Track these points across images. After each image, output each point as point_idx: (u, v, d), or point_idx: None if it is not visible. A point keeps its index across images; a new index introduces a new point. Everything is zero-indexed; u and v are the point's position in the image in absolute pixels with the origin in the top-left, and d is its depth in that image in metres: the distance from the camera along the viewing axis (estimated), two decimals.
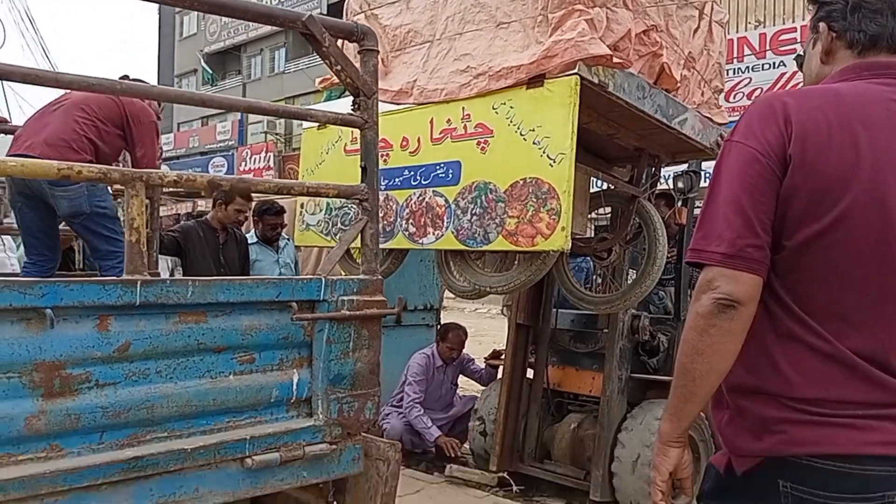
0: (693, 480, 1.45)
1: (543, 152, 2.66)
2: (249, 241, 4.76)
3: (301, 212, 3.79)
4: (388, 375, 6.01)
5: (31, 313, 1.53)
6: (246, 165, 22.78)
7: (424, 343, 6.07)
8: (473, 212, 2.87)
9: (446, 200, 2.98)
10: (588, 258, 5.62)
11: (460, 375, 5.75)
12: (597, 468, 4.19)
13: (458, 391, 5.69)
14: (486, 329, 11.07)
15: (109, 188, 3.30)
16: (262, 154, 22.72)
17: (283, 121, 22.98)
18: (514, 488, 4.68)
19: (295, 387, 1.94)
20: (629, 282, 3.81)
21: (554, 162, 2.63)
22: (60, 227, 3.36)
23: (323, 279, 1.93)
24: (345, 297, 1.97)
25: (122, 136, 3.26)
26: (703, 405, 1.34)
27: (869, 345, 1.25)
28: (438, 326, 6.36)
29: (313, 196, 2.71)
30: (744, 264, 1.25)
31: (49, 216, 3.23)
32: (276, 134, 23.84)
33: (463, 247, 2.96)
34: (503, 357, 4.89)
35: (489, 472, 4.77)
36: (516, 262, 3.16)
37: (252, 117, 23.98)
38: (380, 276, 2.05)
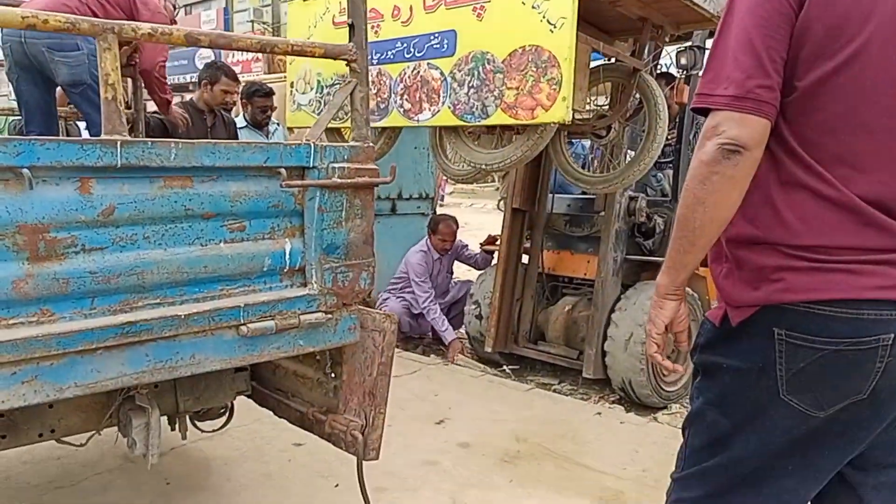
0: (689, 336, 1.45)
1: (543, 17, 2.52)
2: (238, 126, 4.63)
3: (291, 91, 3.66)
4: (384, 263, 6.07)
5: (7, 173, 1.47)
6: (234, 57, 22.00)
7: (420, 232, 6.06)
8: (471, 84, 2.76)
9: (442, 73, 2.86)
10: (584, 145, 5.52)
11: (455, 262, 5.78)
12: (590, 347, 4.28)
13: (453, 278, 5.75)
14: (483, 223, 11.07)
15: None
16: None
17: (269, 9, 22.01)
18: (507, 368, 4.79)
19: (288, 256, 1.91)
20: (627, 161, 3.74)
21: (554, 27, 2.50)
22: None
23: (312, 145, 1.86)
24: (335, 165, 1.90)
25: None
26: (702, 257, 1.32)
27: (875, 189, 1.21)
28: (433, 214, 6.33)
29: (297, 55, 2.58)
30: (752, 106, 1.19)
31: (46, 89, 3.15)
32: (264, 23, 22.90)
33: (461, 122, 2.87)
34: (498, 242, 4.89)
35: (484, 353, 4.88)
36: (514, 138, 3.08)
37: (237, 4, 22.96)
38: (371, 144, 1.97)
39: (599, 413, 3.95)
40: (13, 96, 3.44)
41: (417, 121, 3.04)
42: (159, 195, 1.67)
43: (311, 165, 1.87)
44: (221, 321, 1.79)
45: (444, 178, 9.16)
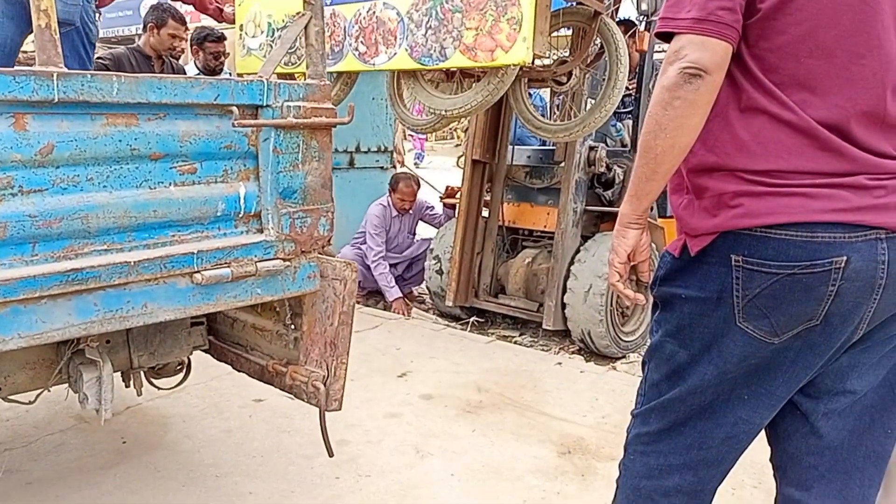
0: (650, 267, 1.43)
1: None
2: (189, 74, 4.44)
3: (241, 35, 3.50)
4: (343, 219, 5.95)
5: None
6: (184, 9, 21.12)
7: (379, 186, 5.97)
8: (428, 25, 2.67)
9: (398, 14, 2.75)
10: (542, 97, 5.47)
11: (420, 222, 5.72)
12: (550, 299, 4.30)
13: (415, 238, 5.69)
14: (443, 181, 10.99)
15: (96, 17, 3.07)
16: None
17: None
18: (471, 320, 4.80)
19: (242, 200, 1.83)
20: (588, 109, 3.70)
21: None
22: None
23: (265, 82, 1.76)
24: (290, 104, 1.81)
25: None
26: (663, 185, 1.30)
27: (832, 114, 1.21)
28: (392, 169, 6.24)
29: None
30: (713, 28, 1.18)
31: (21, 29, 2.94)
32: None
33: (418, 66, 2.78)
34: (458, 195, 4.84)
35: (445, 308, 4.87)
36: (474, 85, 3.00)
37: None
38: (328, 81, 1.88)
39: (560, 363, 3.98)
40: None
41: (373, 64, 2.93)
42: (102, 133, 1.56)
43: (265, 104, 1.78)
44: (174, 268, 1.71)
45: (420, 135, 9.01)
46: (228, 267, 1.80)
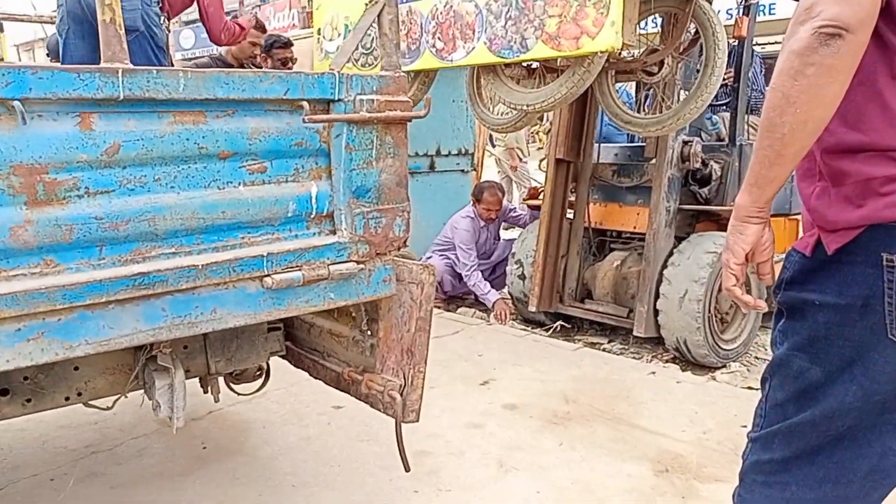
0: (772, 269, 1.23)
1: None
2: None
3: (319, 39, 3.46)
4: (423, 223, 5.89)
5: None
6: (270, 24, 21.87)
7: (460, 190, 5.87)
8: (508, 15, 2.52)
9: (476, 6, 2.62)
10: (628, 93, 5.21)
11: (503, 224, 5.58)
12: (641, 304, 4.05)
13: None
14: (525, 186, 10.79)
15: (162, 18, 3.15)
16: (286, 11, 21.73)
17: None
18: (557, 325, 4.60)
19: (314, 200, 1.74)
20: (682, 100, 3.45)
21: None
22: None
23: (336, 74, 1.67)
24: (363, 97, 1.71)
25: None
26: (791, 170, 1.10)
27: None
28: (473, 171, 6.12)
29: None
30: None
31: (94, 46, 3.08)
32: None
33: (498, 59, 2.64)
34: (541, 196, 4.66)
35: (529, 314, 4.68)
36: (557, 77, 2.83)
37: None
38: (402, 73, 1.77)
39: (653, 373, 3.74)
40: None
41: (451, 60, 2.80)
42: (169, 132, 1.50)
43: (337, 98, 1.68)
44: (243, 272, 1.63)
45: (520, 154, 8.72)
46: (300, 270, 1.71)
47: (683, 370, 3.89)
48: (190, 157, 1.55)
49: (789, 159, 1.07)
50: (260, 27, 4.00)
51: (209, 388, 2.39)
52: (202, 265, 1.56)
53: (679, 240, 4.11)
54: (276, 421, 3.08)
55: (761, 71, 4.74)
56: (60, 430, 2.95)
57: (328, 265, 1.75)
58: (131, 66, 1.42)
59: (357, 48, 2.92)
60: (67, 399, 2.04)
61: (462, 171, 5.95)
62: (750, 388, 3.63)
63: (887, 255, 1.03)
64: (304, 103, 1.64)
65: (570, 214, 4.57)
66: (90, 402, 2.13)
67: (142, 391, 2.12)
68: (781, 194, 4.44)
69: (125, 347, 1.54)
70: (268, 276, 1.66)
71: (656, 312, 4.00)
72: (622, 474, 2.61)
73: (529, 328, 4.68)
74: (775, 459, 1.23)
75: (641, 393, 3.43)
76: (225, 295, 1.63)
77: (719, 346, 4.00)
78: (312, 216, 1.76)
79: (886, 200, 1.03)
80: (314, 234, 1.77)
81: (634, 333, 4.11)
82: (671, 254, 4.04)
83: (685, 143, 3.93)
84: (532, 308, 4.52)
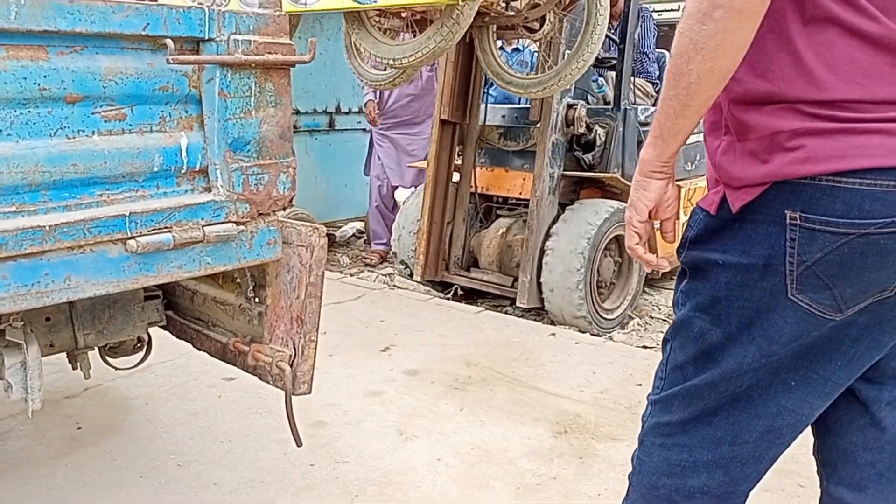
0: (675, 227, 1.17)
1: None
2: None
3: None
4: (324, 185, 5.68)
5: None
6: None
7: (361, 150, 5.69)
8: None
9: None
10: (532, 52, 5.13)
11: None
12: (524, 274, 3.96)
13: None
14: None
15: None
16: None
17: None
18: (454, 288, 4.50)
19: (184, 152, 1.55)
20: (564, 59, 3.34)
21: None
22: None
23: (206, 9, 1.47)
24: (238, 37, 1.53)
25: None
26: (697, 121, 1.03)
27: None
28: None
29: None
30: None
31: None
32: None
33: (355, 5, 2.45)
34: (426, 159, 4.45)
35: (412, 281, 4.53)
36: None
37: None
38: (283, 12, 1.60)
39: (553, 334, 3.76)
40: None
41: (304, 4, 2.56)
42: (1, 69, 1.28)
43: (207, 37, 1.49)
44: (102, 234, 1.44)
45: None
46: (169, 232, 1.52)
47: (582, 331, 3.93)
48: (29, 100, 1.32)
49: (695, 110, 1.01)
50: None
51: (78, 364, 2.17)
52: (50, 226, 1.35)
53: (564, 207, 4.05)
54: (161, 396, 2.87)
55: (655, 34, 4.74)
56: None
57: (202, 226, 1.57)
58: None
59: None
60: None
61: (364, 129, 5.75)
62: (645, 346, 3.72)
63: (790, 212, 0.99)
64: (168, 41, 1.44)
65: (456, 178, 4.41)
66: None
67: None
68: None
69: None
70: (131, 238, 1.47)
71: (540, 282, 3.94)
72: (521, 437, 2.59)
73: (434, 293, 4.59)
74: (674, 422, 1.19)
75: (541, 355, 3.44)
76: (80, 260, 1.43)
77: (601, 316, 4.01)
78: (183, 171, 1.57)
79: (792, 156, 0.97)
80: (186, 191, 1.59)
81: (517, 303, 4.05)
82: (555, 221, 3.97)
83: (570, 106, 3.83)
84: (417, 277, 4.39)
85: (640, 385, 3.06)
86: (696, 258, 1.13)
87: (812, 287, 1.02)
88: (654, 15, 5.10)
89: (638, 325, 4.07)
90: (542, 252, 3.92)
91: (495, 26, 3.27)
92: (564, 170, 4.01)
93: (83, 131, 1.41)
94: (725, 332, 1.10)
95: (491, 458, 2.44)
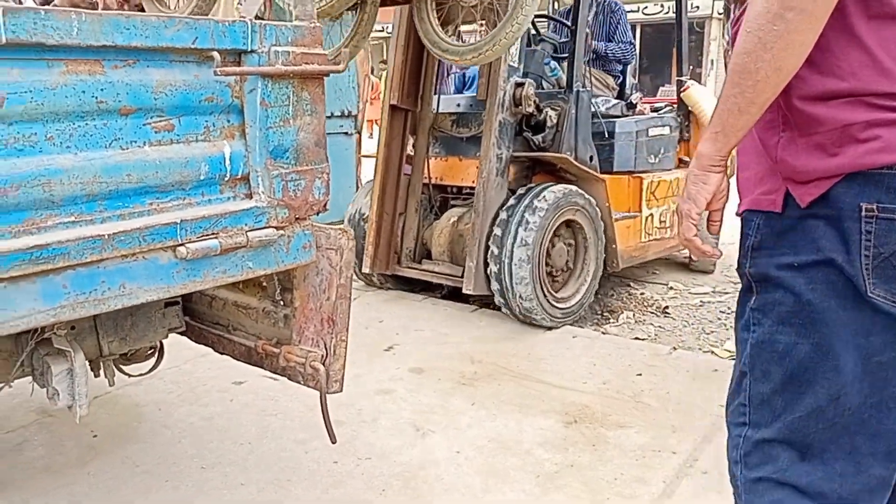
0: (721, 217, 1.22)
1: None
2: None
3: None
4: None
5: None
6: None
7: (343, 153, 5.73)
8: None
9: None
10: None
11: None
12: (471, 259, 3.78)
13: None
14: None
15: None
16: None
17: None
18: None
19: (228, 161, 1.60)
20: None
21: None
22: None
23: (249, 23, 1.53)
24: (278, 49, 1.58)
25: None
26: (757, 118, 1.07)
27: None
28: (357, 134, 5.98)
29: None
30: None
31: None
32: None
33: None
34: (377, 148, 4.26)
35: (362, 273, 4.33)
36: None
37: None
38: (318, 24, 1.65)
39: (549, 329, 3.84)
40: None
41: None
42: (62, 83, 1.32)
43: (249, 49, 1.55)
44: (154, 241, 1.48)
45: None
46: (216, 238, 1.57)
47: (579, 326, 4.03)
48: (87, 113, 1.36)
49: (759, 107, 1.04)
50: None
51: (102, 372, 2.19)
52: (109, 235, 1.40)
53: (513, 192, 3.86)
54: (173, 402, 2.89)
55: (626, 20, 4.73)
56: None
57: (246, 232, 1.63)
58: (14, 6, 1.22)
59: None
60: None
61: (346, 133, 5.80)
62: (637, 338, 3.82)
63: (866, 204, 1.00)
64: (215, 54, 1.49)
65: (408, 170, 4.22)
66: None
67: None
68: (627, 152, 4.49)
69: (21, 331, 1.35)
70: (182, 245, 1.52)
71: (486, 268, 3.76)
72: (534, 428, 2.68)
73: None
74: (783, 468, 1.11)
75: (541, 349, 3.53)
76: (134, 267, 1.47)
77: (553, 305, 3.83)
78: (227, 179, 1.62)
79: (867, 147, 0.99)
80: (229, 198, 1.64)
81: (463, 291, 3.84)
82: (503, 205, 3.78)
83: (518, 84, 3.69)
84: (366, 269, 4.21)
85: (640, 375, 3.17)
86: (764, 266, 1.10)
87: (888, 278, 1.01)
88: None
89: (629, 318, 4.18)
90: (490, 238, 3.74)
91: None
92: (513, 152, 3.83)
93: (135, 142, 1.45)
94: (815, 341, 1.05)
95: (508, 450, 2.51)
